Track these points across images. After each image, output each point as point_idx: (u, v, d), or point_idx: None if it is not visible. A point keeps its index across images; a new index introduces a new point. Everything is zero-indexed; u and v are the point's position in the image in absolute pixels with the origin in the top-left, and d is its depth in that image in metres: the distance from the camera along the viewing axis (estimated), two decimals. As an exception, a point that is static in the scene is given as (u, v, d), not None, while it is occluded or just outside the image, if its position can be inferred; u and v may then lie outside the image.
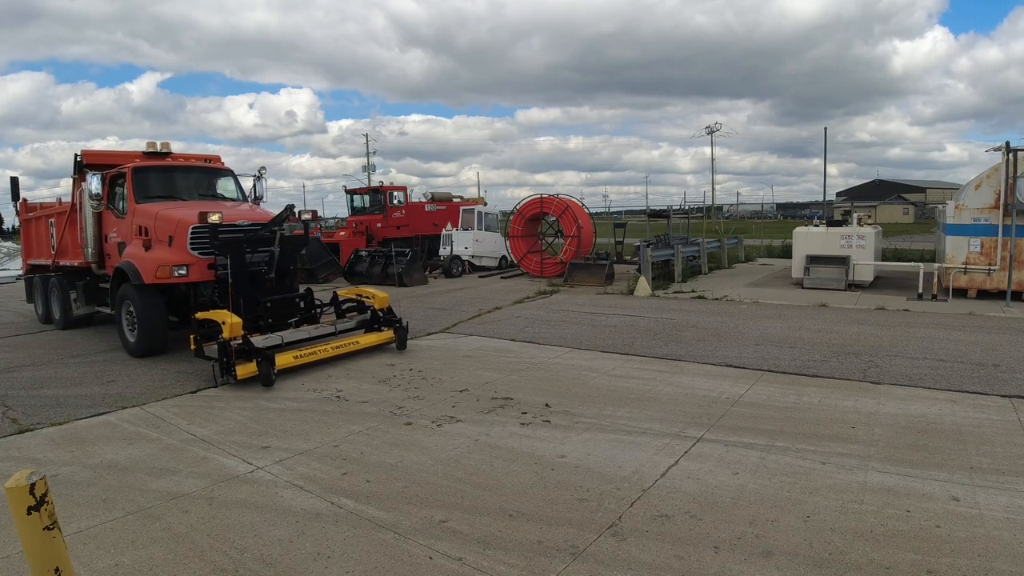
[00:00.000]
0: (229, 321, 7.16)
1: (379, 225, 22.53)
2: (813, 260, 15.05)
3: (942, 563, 3.34)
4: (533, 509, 4.06)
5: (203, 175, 10.81)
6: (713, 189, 76.14)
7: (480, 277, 19.78)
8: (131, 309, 8.93)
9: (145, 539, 3.76)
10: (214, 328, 7.41)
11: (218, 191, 10.71)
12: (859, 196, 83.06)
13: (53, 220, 11.73)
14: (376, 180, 49.42)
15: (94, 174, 9.51)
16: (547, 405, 6.25)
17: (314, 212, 11.14)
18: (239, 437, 5.52)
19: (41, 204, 13.40)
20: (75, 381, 7.68)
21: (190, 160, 11.28)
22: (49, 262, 11.83)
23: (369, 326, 9.27)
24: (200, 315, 7.67)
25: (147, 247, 8.81)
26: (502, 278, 19.32)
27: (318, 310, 9.41)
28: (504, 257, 21.76)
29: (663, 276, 16.99)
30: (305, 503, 4.20)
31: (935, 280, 13.13)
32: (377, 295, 9.35)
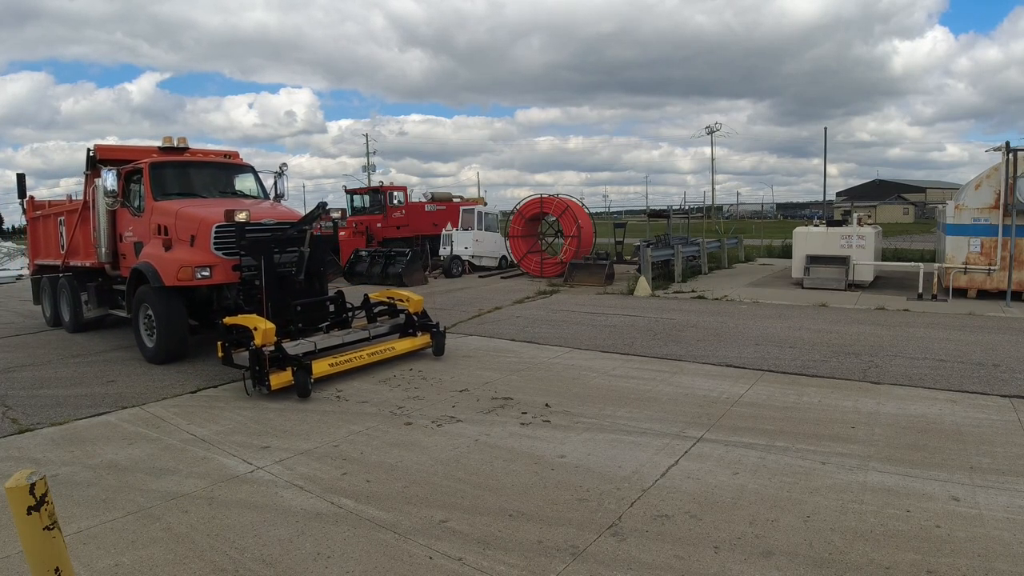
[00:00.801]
0: (262, 327, 6.64)
1: (379, 225, 22.53)
2: (813, 260, 15.05)
3: (942, 563, 3.34)
4: (533, 509, 4.06)
5: (223, 171, 10.26)
6: (713, 189, 76.16)
7: (480, 277, 19.77)
8: (149, 313, 8.48)
9: (145, 539, 3.76)
10: (244, 334, 6.91)
11: (237, 188, 10.21)
12: (859, 196, 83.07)
13: (63, 218, 11.22)
14: (376, 180, 49.47)
15: (109, 169, 8.96)
16: (547, 405, 6.25)
17: (343, 211, 10.72)
18: (239, 437, 5.52)
19: (50, 202, 12.81)
20: (75, 381, 7.68)
21: (209, 156, 10.69)
22: (58, 262, 11.35)
23: (403, 331, 8.76)
24: (229, 320, 7.16)
25: (167, 247, 8.34)
26: (502, 278, 19.31)
27: (349, 314, 8.90)
28: (504, 257, 21.76)
29: (663, 276, 16.99)
30: (305, 503, 4.20)
31: (935, 280, 13.12)
32: (412, 298, 8.81)
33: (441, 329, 8.67)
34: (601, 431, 5.49)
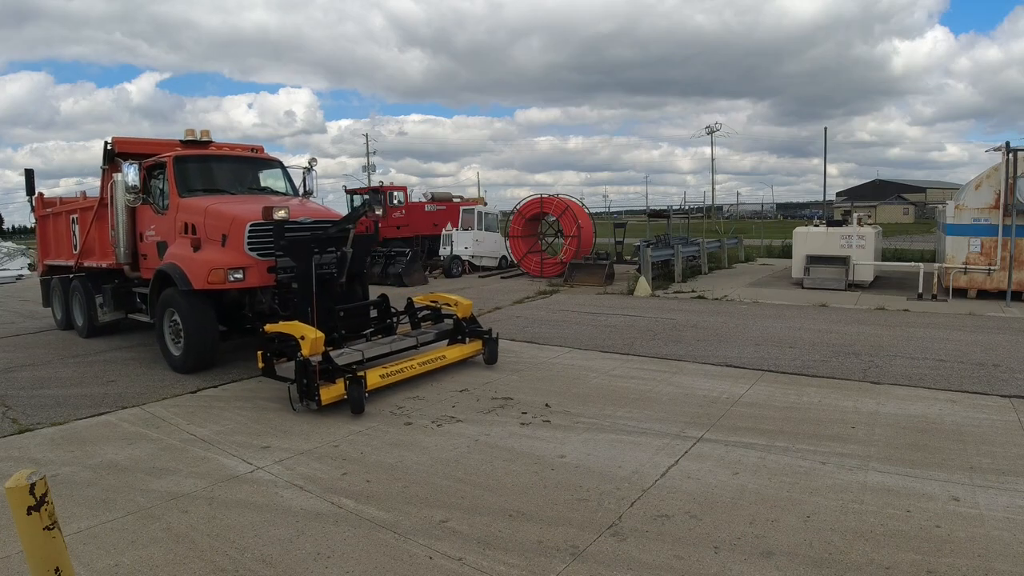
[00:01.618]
0: (309, 336, 6.08)
1: (379, 225, 22.50)
2: (813, 260, 15.04)
3: (942, 563, 3.34)
4: (533, 509, 4.06)
5: (249, 167, 9.63)
6: (713, 189, 76.26)
7: (480, 277, 19.78)
8: (176, 318, 7.85)
9: (145, 539, 3.76)
10: (288, 343, 6.41)
11: (264, 184, 9.62)
12: (859, 196, 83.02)
13: (76, 216, 10.57)
14: (376, 180, 49.46)
15: (131, 164, 8.33)
16: (547, 405, 6.25)
17: (384, 208, 10.21)
18: (239, 437, 5.52)
19: (61, 198, 12.16)
20: (75, 381, 7.68)
21: (236, 150, 10.05)
22: (71, 263, 10.73)
23: (452, 337, 8.17)
24: (271, 327, 6.53)
25: (196, 247, 7.72)
26: (502, 278, 19.31)
27: (394, 319, 8.34)
28: (504, 257, 21.76)
29: (663, 276, 16.99)
30: (305, 503, 4.20)
31: (935, 280, 13.12)
32: (461, 302, 8.22)
33: (494, 336, 8.05)
34: (601, 431, 5.49)
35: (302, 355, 6.03)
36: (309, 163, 10.20)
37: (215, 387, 7.22)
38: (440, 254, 21.15)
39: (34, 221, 12.30)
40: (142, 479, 4.64)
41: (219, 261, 7.49)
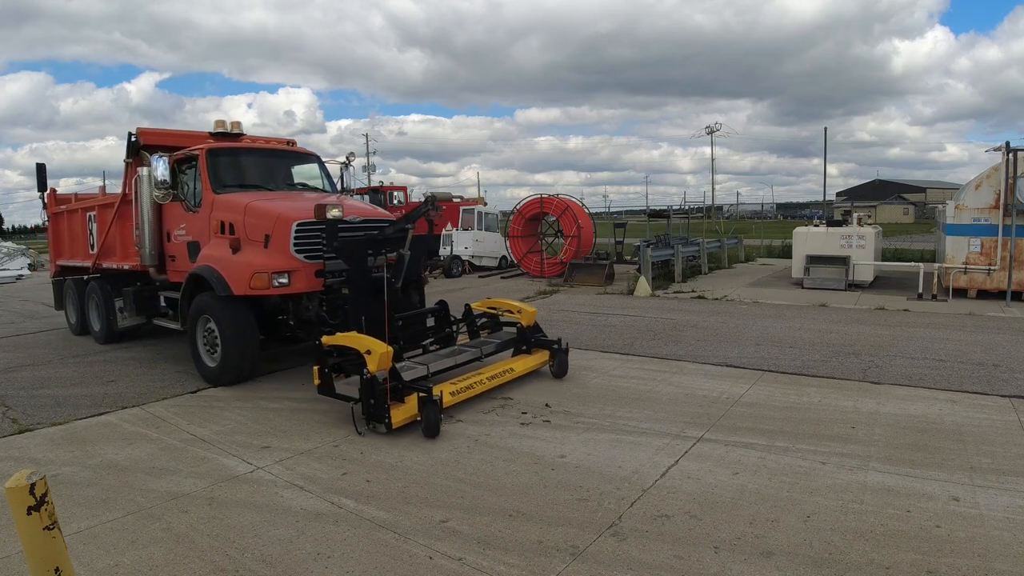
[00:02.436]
0: (377, 349, 5.43)
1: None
2: (813, 260, 15.05)
3: (942, 563, 3.34)
4: (533, 509, 4.06)
5: (284, 161, 8.97)
6: (713, 189, 76.29)
7: (480, 277, 19.77)
8: (211, 326, 7.17)
9: (145, 539, 3.76)
10: (350, 358, 5.80)
11: (299, 180, 8.96)
12: (859, 196, 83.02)
13: (94, 214, 9.89)
14: (376, 180, 49.46)
15: (160, 156, 7.61)
16: (547, 405, 6.25)
17: (441, 207, 9.02)
18: (239, 437, 5.52)
19: (77, 195, 11.42)
20: (75, 381, 7.68)
21: (270, 143, 9.38)
22: (87, 264, 10.09)
23: (516, 347, 7.56)
24: (329, 340, 5.85)
25: (235, 248, 7.06)
26: (502, 278, 19.31)
27: (454, 328, 7.64)
28: (504, 257, 21.76)
29: (663, 276, 16.99)
30: (305, 503, 4.20)
31: (935, 280, 13.13)
32: (524, 309, 7.60)
33: (564, 346, 7.39)
34: (601, 431, 5.49)
35: (368, 371, 5.37)
36: (347, 159, 9.57)
37: (215, 387, 7.22)
38: (440, 254, 21.15)
39: (46, 219, 11.62)
40: (142, 479, 4.64)
41: (262, 264, 6.82)
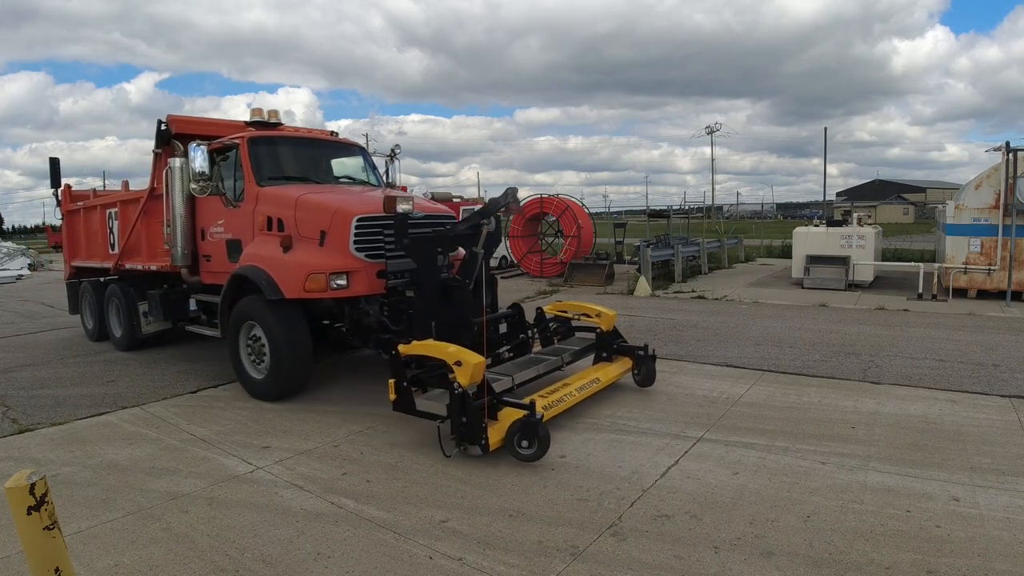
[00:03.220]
0: (469, 360, 4.77)
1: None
2: (813, 260, 15.05)
3: (942, 563, 3.34)
4: (533, 509, 4.06)
5: (330, 152, 8.31)
6: (713, 189, 76.29)
7: (480, 277, 19.74)
8: (257, 333, 6.50)
9: (145, 539, 3.76)
10: (432, 370, 5.19)
11: (342, 173, 8.22)
12: (859, 196, 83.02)
13: (114, 211, 9.18)
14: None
15: (199, 145, 6.79)
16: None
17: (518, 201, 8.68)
18: (239, 437, 5.52)
19: (95, 191, 10.84)
20: (75, 381, 7.68)
21: (312, 133, 8.70)
22: (107, 264, 9.43)
23: (596, 354, 6.95)
24: (407, 349, 5.18)
25: (286, 246, 6.41)
26: (502, 278, 19.30)
27: (529, 334, 6.95)
28: (504, 257, 21.76)
29: (663, 276, 16.99)
30: (305, 503, 4.20)
31: (935, 280, 13.13)
32: (604, 313, 6.93)
33: (651, 352, 6.73)
34: (601, 431, 5.49)
35: (460, 385, 4.74)
36: (392, 151, 8.90)
37: (215, 387, 7.22)
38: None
39: (59, 217, 10.90)
40: (142, 479, 4.64)
41: (318, 264, 6.16)
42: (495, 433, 4.74)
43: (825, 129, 45.53)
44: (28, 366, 8.60)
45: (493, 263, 21.94)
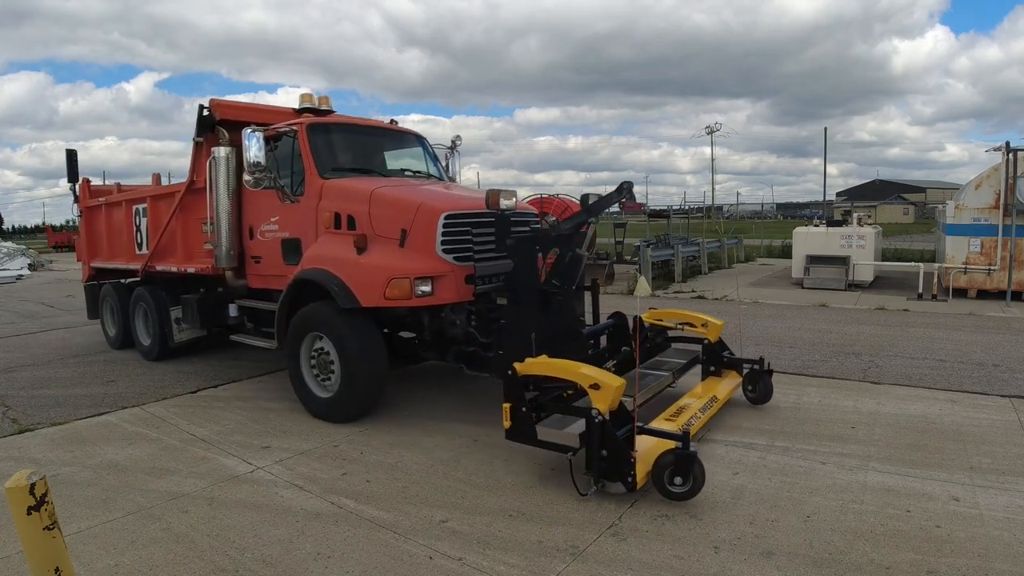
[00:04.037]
0: (608, 383, 4.11)
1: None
2: (813, 260, 15.06)
3: (942, 563, 3.34)
4: (533, 509, 4.06)
5: (390, 142, 7.55)
6: (713, 189, 76.27)
7: (480, 277, 19.73)
8: (322, 346, 5.82)
9: (145, 539, 3.76)
10: (552, 392, 4.64)
11: (398, 166, 7.42)
12: (859, 196, 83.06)
13: (144, 207, 8.44)
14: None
15: (254, 131, 5.90)
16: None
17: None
18: (239, 437, 5.52)
19: (120, 185, 9.96)
20: (75, 381, 7.68)
21: (369, 122, 7.67)
22: (135, 266, 8.67)
23: (704, 367, 6.34)
24: (524, 367, 4.47)
25: (360, 247, 5.59)
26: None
27: (633, 347, 6.14)
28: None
29: (663, 276, 17.00)
30: (305, 503, 4.20)
31: (935, 280, 13.14)
32: (711, 321, 6.36)
33: (767, 367, 6.02)
34: (601, 431, 5.48)
35: (599, 412, 4.08)
36: (453, 143, 8.21)
37: (215, 387, 7.22)
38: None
39: (77, 213, 10.17)
40: (142, 479, 4.64)
41: (400, 267, 5.38)
42: (641, 467, 4.08)
43: (825, 129, 45.44)
44: (28, 366, 8.60)
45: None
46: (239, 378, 7.57)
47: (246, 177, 6.07)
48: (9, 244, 28.91)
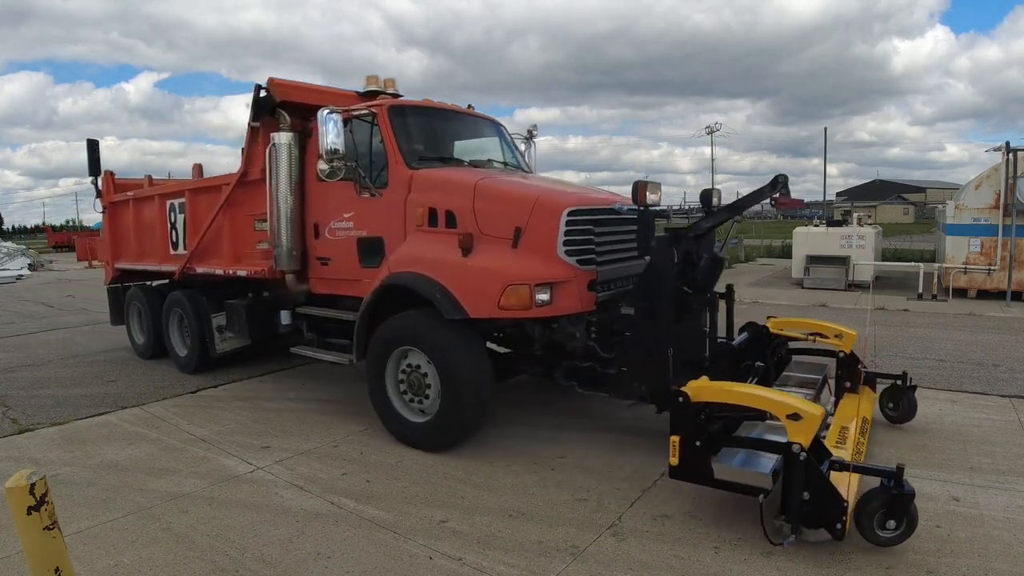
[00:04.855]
0: (810, 412, 3.46)
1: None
2: (813, 260, 15.07)
3: (942, 563, 3.34)
4: (533, 509, 4.06)
5: (472, 128, 6.80)
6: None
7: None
8: (414, 363, 5.08)
9: (145, 539, 3.76)
10: (734, 423, 4.08)
11: (475, 156, 6.56)
12: (859, 196, 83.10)
13: (181, 202, 7.62)
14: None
15: (332, 112, 5.12)
16: (546, 405, 6.25)
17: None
18: (239, 437, 5.52)
19: (149, 178, 8.95)
20: (75, 381, 7.68)
21: (446, 107, 6.63)
22: (171, 268, 7.85)
23: (838, 382, 5.49)
24: (698, 392, 3.78)
25: (466, 248, 4.75)
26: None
27: (771, 360, 5.51)
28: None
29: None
30: (305, 503, 4.20)
31: (935, 280, 13.14)
32: (844, 332, 5.53)
33: (910, 383, 5.36)
34: (601, 431, 5.48)
35: (800, 447, 3.39)
36: (530, 132, 7.56)
37: (215, 387, 7.22)
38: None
39: (100, 209, 9.32)
40: (142, 479, 4.64)
41: (518, 272, 4.58)
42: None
43: (825, 129, 45.40)
44: (28, 366, 8.60)
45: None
46: (239, 378, 7.57)
47: (321, 166, 5.24)
48: (9, 244, 28.93)
